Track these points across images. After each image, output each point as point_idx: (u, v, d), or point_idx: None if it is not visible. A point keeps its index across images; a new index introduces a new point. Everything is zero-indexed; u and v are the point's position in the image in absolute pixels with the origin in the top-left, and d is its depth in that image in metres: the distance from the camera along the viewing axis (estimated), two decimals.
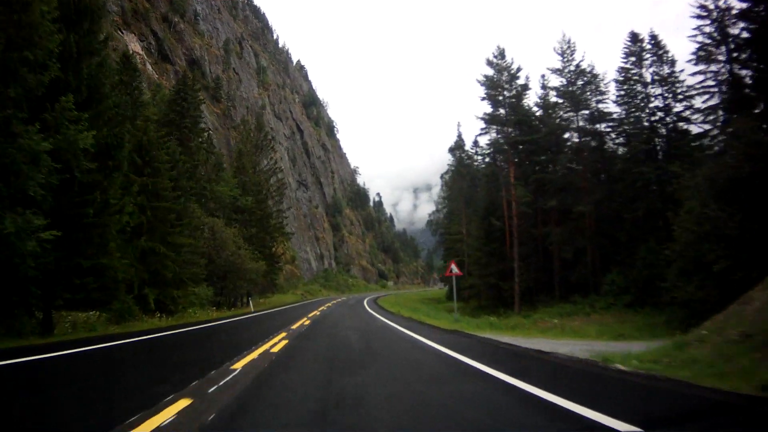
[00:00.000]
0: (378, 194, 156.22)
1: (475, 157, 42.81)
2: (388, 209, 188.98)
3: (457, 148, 43.87)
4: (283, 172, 51.73)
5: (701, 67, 22.27)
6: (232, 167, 38.24)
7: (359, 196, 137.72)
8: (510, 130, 31.76)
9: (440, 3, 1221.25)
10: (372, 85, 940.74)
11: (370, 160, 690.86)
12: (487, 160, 34.81)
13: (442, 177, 54.23)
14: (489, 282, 31.64)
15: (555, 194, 28.44)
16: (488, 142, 34.36)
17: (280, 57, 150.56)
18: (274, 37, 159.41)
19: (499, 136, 32.50)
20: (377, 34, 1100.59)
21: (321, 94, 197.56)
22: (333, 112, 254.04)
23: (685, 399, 4.30)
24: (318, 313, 22.35)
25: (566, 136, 30.50)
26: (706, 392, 4.30)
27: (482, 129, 35.20)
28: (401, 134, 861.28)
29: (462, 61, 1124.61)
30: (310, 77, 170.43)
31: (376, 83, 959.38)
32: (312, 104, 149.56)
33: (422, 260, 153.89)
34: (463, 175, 43.19)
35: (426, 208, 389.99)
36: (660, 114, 27.81)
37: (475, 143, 43.57)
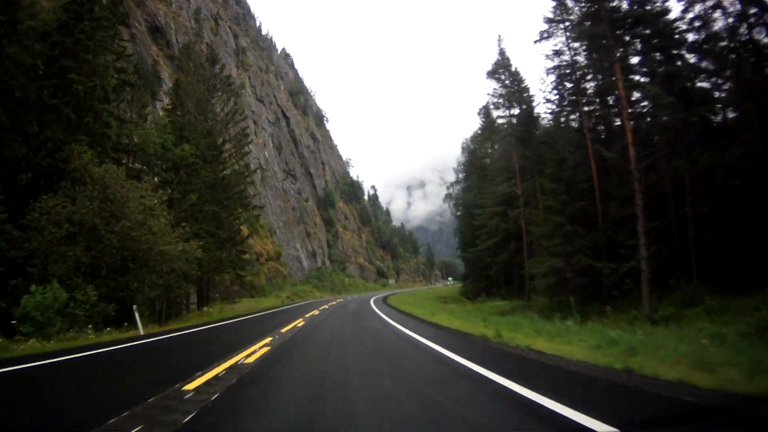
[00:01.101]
0: (373, 187, 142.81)
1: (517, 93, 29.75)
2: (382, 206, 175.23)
3: (501, 68, 30.19)
4: (246, 121, 38.31)
5: None
6: (167, 109, 25.19)
7: (353, 188, 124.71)
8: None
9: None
10: (362, 83, 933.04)
11: (361, 158, 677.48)
12: (551, 80, 22.06)
13: (479, 113, 40.39)
14: (578, 264, 18.73)
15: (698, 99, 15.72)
16: (554, 48, 21.65)
17: (264, 44, 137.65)
18: (257, 24, 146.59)
19: (579, 20, 19.65)
20: (364, 33, 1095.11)
21: (309, 84, 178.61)
22: (322, 104, 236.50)
23: None
24: (265, 349, 9.62)
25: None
26: None
27: (542, 33, 22.48)
28: (392, 131, 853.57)
29: (450, 58, 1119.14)
30: (297, 69, 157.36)
31: (366, 81, 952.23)
32: (299, 92, 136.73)
33: (422, 256, 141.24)
34: (512, 107, 29.92)
35: (420, 206, 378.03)
36: None
37: (514, 80, 30.30)
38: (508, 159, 33.02)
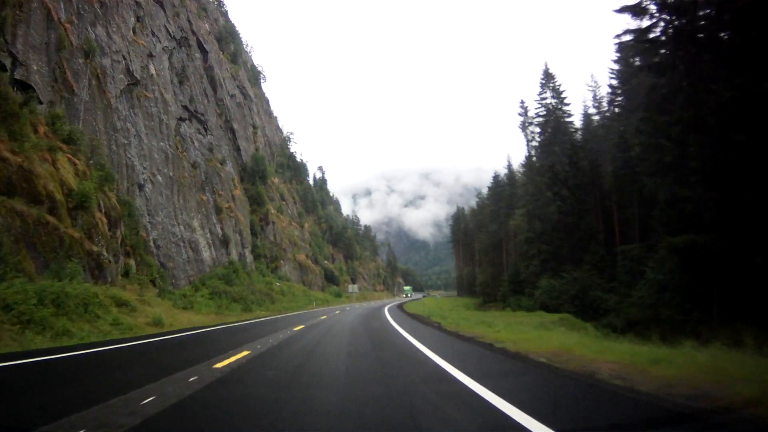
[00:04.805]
0: (320, 168, 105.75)
1: None
2: None
3: None
4: None
5: None
6: None
7: (294, 164, 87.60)
8: None
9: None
10: (310, 84, 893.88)
11: (306, 153, 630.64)
12: None
13: None
14: None
15: None
16: None
17: None
18: None
19: None
20: (315, 35, 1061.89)
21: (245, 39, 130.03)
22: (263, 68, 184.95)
23: None
24: None
25: None
26: None
27: None
28: (338, 137, 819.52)
29: (400, 67, 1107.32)
30: (233, 22, 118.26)
31: (315, 83, 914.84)
32: (229, 38, 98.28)
33: (381, 259, 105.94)
34: None
35: (365, 214, 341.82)
36: None
37: None
38: None
